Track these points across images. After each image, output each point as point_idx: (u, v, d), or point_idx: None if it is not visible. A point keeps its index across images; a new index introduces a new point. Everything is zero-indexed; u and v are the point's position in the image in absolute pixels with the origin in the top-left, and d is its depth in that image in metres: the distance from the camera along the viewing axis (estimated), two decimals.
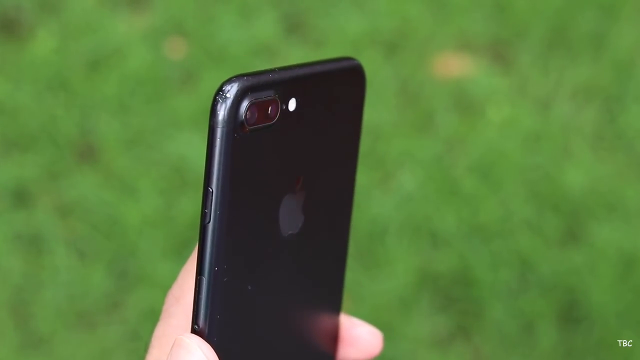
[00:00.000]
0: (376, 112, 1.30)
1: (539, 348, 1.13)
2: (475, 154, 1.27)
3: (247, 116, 0.33)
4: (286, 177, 0.36)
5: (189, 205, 1.22)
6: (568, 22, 1.41)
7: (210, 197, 0.33)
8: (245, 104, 0.33)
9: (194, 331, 0.34)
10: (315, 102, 0.37)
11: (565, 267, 1.18)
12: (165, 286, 1.15)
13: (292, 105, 0.35)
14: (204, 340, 0.33)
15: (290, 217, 0.37)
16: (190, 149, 1.26)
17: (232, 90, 0.33)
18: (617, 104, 1.34)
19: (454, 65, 1.37)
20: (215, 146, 0.33)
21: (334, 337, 0.40)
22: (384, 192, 1.24)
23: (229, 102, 0.33)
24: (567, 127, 1.31)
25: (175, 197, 1.23)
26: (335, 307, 0.41)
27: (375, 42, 1.38)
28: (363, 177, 1.24)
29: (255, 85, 0.34)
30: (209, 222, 0.33)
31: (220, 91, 0.33)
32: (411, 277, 1.17)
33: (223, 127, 0.33)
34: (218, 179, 0.33)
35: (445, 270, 1.18)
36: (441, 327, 1.15)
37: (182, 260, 1.28)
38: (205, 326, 0.34)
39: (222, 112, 0.33)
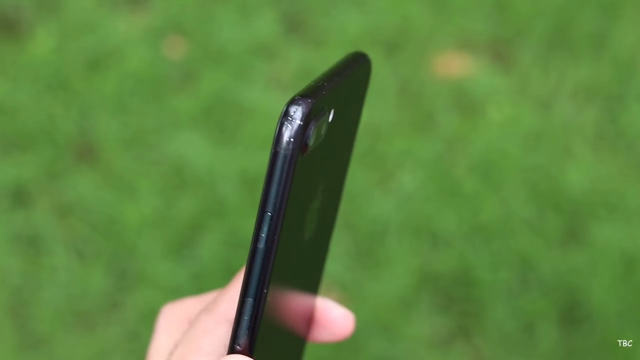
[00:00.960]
0: (376, 112, 1.30)
1: (540, 348, 1.13)
2: (475, 153, 1.28)
3: (310, 139, 0.33)
4: (316, 187, 0.37)
5: (189, 205, 1.22)
6: (569, 22, 1.41)
7: (268, 221, 0.33)
8: (311, 128, 0.33)
9: (234, 350, 0.34)
10: (344, 108, 0.37)
11: (566, 267, 1.18)
12: (164, 286, 1.15)
13: (331, 116, 0.35)
14: None
15: (311, 223, 0.38)
16: (190, 148, 1.27)
17: (299, 114, 0.32)
18: (618, 104, 1.34)
19: (455, 65, 1.37)
20: (279, 171, 0.33)
21: (310, 320, 0.42)
22: (384, 192, 1.24)
23: (296, 126, 0.32)
24: (567, 126, 1.31)
25: (174, 197, 1.23)
26: (316, 293, 0.43)
27: (375, 42, 1.39)
28: (363, 177, 1.24)
29: (317, 106, 0.33)
30: (264, 245, 0.33)
31: (287, 115, 0.32)
32: (411, 277, 1.17)
33: (289, 151, 0.32)
34: (277, 203, 0.33)
35: (446, 271, 1.18)
36: (441, 328, 1.15)
37: (181, 260, 1.29)
38: (247, 346, 0.34)
39: (289, 136, 0.32)
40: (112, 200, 1.22)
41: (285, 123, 0.32)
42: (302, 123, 0.32)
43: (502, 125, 1.30)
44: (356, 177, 1.24)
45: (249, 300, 0.34)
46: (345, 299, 1.15)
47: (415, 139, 1.29)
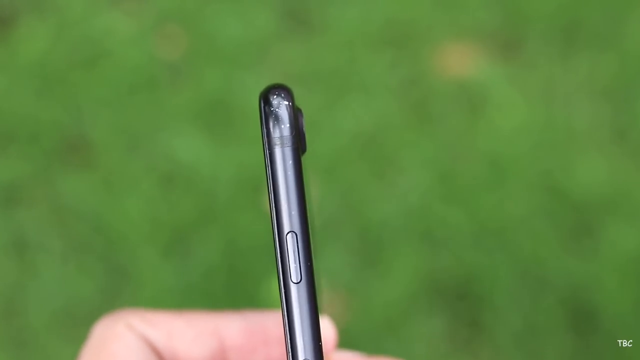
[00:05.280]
0: (377, 112, 1.31)
1: (544, 354, 1.14)
2: (479, 153, 1.28)
3: (303, 128, 0.28)
4: None
5: (185, 206, 1.23)
6: (583, 16, 1.42)
7: (295, 243, 0.26)
8: (301, 118, 0.28)
9: None
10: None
11: (573, 272, 1.19)
12: (161, 287, 1.17)
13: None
14: None
15: None
16: (186, 147, 1.27)
17: (284, 96, 0.27)
18: (635, 102, 1.35)
19: (461, 61, 1.38)
20: (284, 169, 0.26)
21: None
22: (385, 194, 1.25)
23: (285, 108, 0.27)
24: (577, 125, 1.32)
25: (170, 197, 1.24)
26: None
27: (378, 37, 1.39)
28: (364, 179, 1.26)
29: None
30: (302, 279, 0.26)
31: (269, 103, 0.27)
32: (412, 281, 1.18)
33: (288, 141, 0.27)
34: (295, 214, 0.26)
35: (447, 274, 1.19)
36: (442, 332, 1.16)
37: (178, 261, 1.30)
38: None
39: (283, 123, 0.27)
40: (106, 201, 1.23)
41: (271, 111, 0.27)
42: (290, 104, 0.27)
43: (508, 125, 1.31)
44: (358, 178, 1.25)
45: None
46: (347, 301, 1.17)
47: (417, 139, 1.30)
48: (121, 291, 1.18)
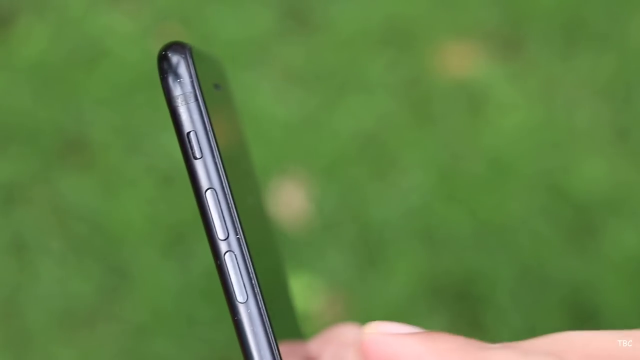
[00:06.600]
0: (377, 112, 1.32)
1: None
2: (480, 153, 1.29)
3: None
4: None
5: (185, 205, 1.24)
6: (584, 15, 1.42)
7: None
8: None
9: None
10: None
11: (574, 271, 1.19)
12: (160, 287, 1.17)
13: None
14: None
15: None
16: None
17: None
18: (636, 101, 1.35)
19: (459, 62, 1.38)
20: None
21: None
22: (385, 194, 1.25)
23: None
24: (578, 124, 1.32)
25: (171, 197, 1.25)
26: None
27: (377, 38, 1.40)
28: (364, 179, 1.26)
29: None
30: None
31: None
32: (412, 280, 1.19)
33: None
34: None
35: (448, 273, 1.20)
36: (445, 330, 1.16)
37: (178, 260, 1.30)
38: None
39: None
40: (106, 201, 1.24)
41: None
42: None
43: (510, 123, 1.31)
44: (358, 178, 1.25)
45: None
46: (345, 303, 1.17)
47: (417, 139, 1.30)
48: (120, 291, 1.18)
